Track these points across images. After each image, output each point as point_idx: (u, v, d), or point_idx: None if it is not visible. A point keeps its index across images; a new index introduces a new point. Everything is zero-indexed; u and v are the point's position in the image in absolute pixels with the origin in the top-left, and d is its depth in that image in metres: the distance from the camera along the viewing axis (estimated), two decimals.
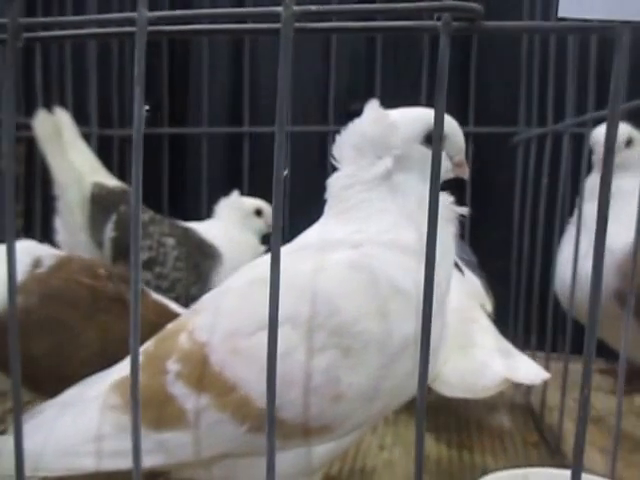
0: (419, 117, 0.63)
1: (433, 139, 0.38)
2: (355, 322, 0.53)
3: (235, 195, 1.21)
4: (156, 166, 1.38)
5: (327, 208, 0.65)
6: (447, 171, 0.65)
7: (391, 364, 0.54)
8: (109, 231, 1.06)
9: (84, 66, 1.34)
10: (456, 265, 1.00)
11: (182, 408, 0.55)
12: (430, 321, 0.47)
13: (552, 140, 0.99)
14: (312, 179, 1.39)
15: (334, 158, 0.63)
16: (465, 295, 0.94)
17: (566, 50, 0.95)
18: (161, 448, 0.55)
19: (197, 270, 1.09)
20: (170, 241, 1.08)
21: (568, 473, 0.59)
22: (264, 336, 0.49)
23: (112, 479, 0.73)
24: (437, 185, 0.37)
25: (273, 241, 0.38)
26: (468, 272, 0.98)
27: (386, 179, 0.61)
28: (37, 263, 0.72)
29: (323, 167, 1.27)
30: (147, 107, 0.35)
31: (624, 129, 1.01)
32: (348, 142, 0.63)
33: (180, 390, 0.55)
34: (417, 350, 0.50)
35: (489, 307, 1.01)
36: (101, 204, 1.05)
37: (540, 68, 1.13)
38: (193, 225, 1.13)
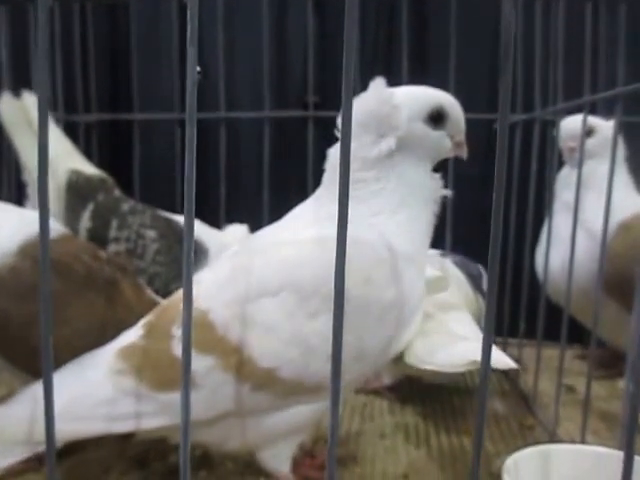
0: (423, 95, 0.67)
1: (499, 120, 0.38)
2: (347, 288, 0.57)
3: None
4: (127, 152, 1.35)
5: (324, 179, 0.69)
6: (447, 150, 0.68)
7: (377, 326, 0.61)
8: (85, 221, 1.02)
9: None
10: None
11: None
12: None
13: (540, 126, 1.02)
14: (290, 165, 1.40)
15: (338, 129, 0.65)
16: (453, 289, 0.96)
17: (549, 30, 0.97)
18: (167, 409, 0.59)
19: (178, 264, 1.06)
20: (150, 233, 1.04)
21: (587, 448, 0.63)
22: (265, 302, 0.59)
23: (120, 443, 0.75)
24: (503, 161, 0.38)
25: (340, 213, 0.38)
26: (467, 283, 1.00)
27: (387, 159, 0.65)
28: None
29: (302, 152, 1.27)
30: (199, 69, 0.34)
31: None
32: (353, 117, 0.64)
33: None
34: (398, 314, 0.61)
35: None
36: (78, 192, 1.02)
37: (524, 51, 1.16)
38: (178, 217, 1.10)
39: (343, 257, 0.37)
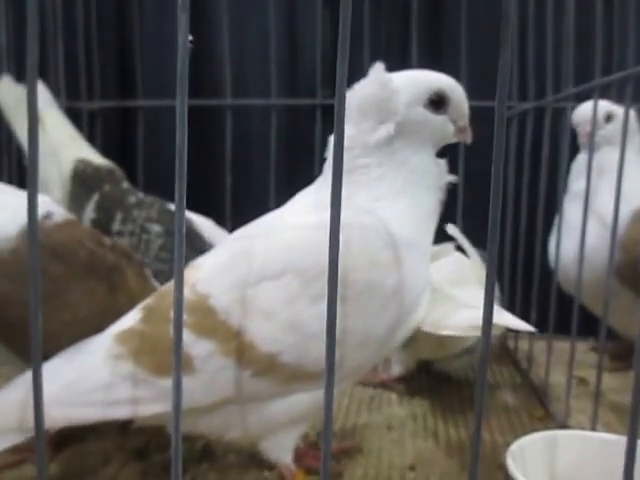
0: (423, 79, 0.67)
1: (498, 88, 0.38)
2: (350, 272, 0.59)
3: None
4: (131, 140, 1.36)
5: (326, 166, 0.69)
6: (450, 135, 0.69)
7: (381, 311, 0.61)
8: (89, 212, 1.03)
9: (48, 31, 1.31)
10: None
11: (188, 354, 0.59)
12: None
13: (550, 113, 1.02)
14: (299, 153, 1.42)
15: None
16: (467, 269, 0.97)
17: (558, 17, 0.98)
18: (166, 395, 0.57)
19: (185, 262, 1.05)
20: (156, 228, 1.03)
21: (593, 435, 0.64)
22: (267, 286, 0.59)
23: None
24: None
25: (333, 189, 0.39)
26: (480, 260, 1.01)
27: (386, 145, 0.65)
28: (48, 216, 0.72)
29: (311, 140, 1.29)
30: (191, 38, 0.35)
31: (602, 105, 1.05)
32: (353, 103, 0.66)
33: (186, 337, 0.57)
34: (402, 300, 0.61)
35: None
36: (84, 182, 1.04)
37: (536, 38, 1.17)
38: (192, 216, 1.08)
39: (337, 244, 0.38)
